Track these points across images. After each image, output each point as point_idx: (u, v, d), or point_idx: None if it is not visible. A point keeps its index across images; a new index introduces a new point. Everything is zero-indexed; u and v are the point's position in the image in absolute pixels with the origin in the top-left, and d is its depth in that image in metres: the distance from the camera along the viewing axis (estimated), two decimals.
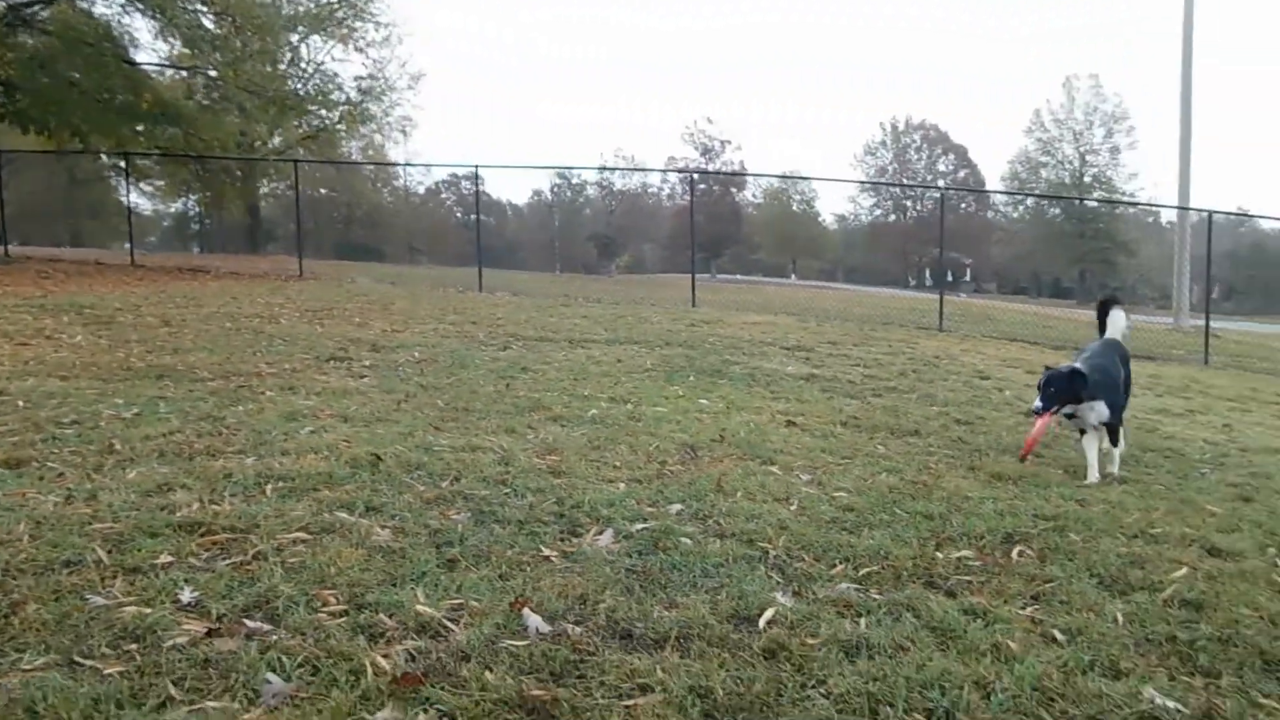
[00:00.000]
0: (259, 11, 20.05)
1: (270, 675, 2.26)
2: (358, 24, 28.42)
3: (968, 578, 3.35)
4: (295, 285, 15.16)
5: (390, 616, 2.63)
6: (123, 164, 21.63)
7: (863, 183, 64.41)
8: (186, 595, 2.68)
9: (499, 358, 8.12)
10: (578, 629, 2.65)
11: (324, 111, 28.25)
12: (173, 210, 48.30)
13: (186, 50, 19.85)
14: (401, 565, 3.02)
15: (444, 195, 66.94)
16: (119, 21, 18.86)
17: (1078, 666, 2.66)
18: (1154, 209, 55.99)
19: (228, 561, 2.96)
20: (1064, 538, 3.91)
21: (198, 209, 44.48)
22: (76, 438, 4.38)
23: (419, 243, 54.64)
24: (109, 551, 2.94)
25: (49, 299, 10.71)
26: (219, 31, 18.62)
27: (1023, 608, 3.11)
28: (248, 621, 2.54)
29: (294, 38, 25.97)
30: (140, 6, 18.31)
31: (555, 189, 67.21)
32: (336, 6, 27.80)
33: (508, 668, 2.38)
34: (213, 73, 19.82)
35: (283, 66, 25.76)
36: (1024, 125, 63.76)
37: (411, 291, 15.39)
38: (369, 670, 2.30)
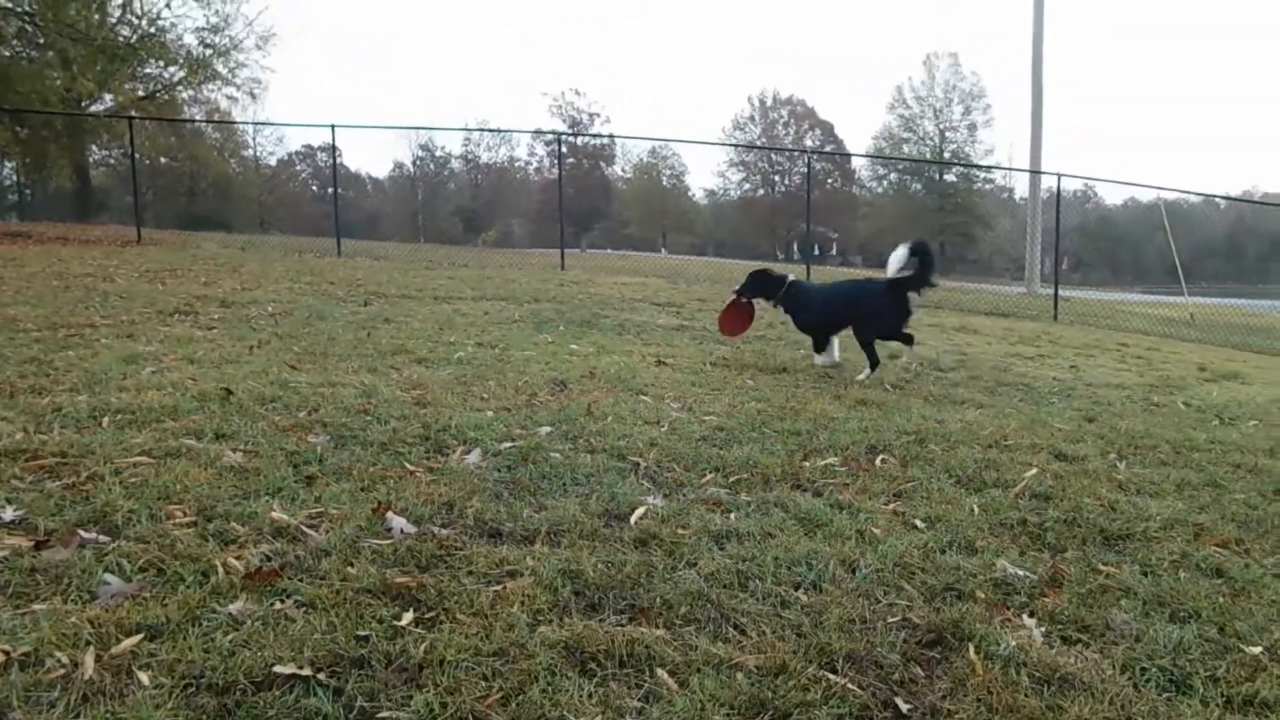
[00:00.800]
0: None
1: (108, 576, 2.10)
2: None
3: (833, 481, 3.47)
4: (133, 250, 14.09)
5: (243, 525, 2.49)
6: None
7: (734, 145, 65.20)
8: (9, 514, 2.45)
9: (359, 312, 7.81)
10: (444, 530, 2.59)
11: (162, 64, 26.16)
12: None
13: None
14: (255, 482, 2.86)
15: (299, 167, 63.94)
16: None
17: (937, 546, 2.82)
18: (1010, 176, 59.34)
19: (58, 483, 2.72)
20: (924, 448, 4.12)
21: (15, 176, 40.53)
22: None
23: (271, 216, 51.99)
24: None
25: None
26: None
27: (886, 503, 3.26)
28: (82, 533, 2.34)
29: None
30: None
31: (418, 161, 65.38)
32: None
33: (370, 561, 2.30)
34: (28, 7, 17.76)
35: (113, 16, 23.65)
36: (887, 102, 65.93)
37: (263, 256, 14.59)
38: (220, 569, 2.17)
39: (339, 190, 24.60)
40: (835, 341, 6.69)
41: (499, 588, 2.21)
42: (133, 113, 20.83)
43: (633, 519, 2.81)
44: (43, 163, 25.14)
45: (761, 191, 66.86)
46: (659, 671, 1.91)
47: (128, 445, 3.13)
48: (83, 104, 22.99)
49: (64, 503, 2.57)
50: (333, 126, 18.36)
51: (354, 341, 5.93)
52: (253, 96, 29.26)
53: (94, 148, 31.95)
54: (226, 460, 3.04)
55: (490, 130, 61.17)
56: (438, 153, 65.56)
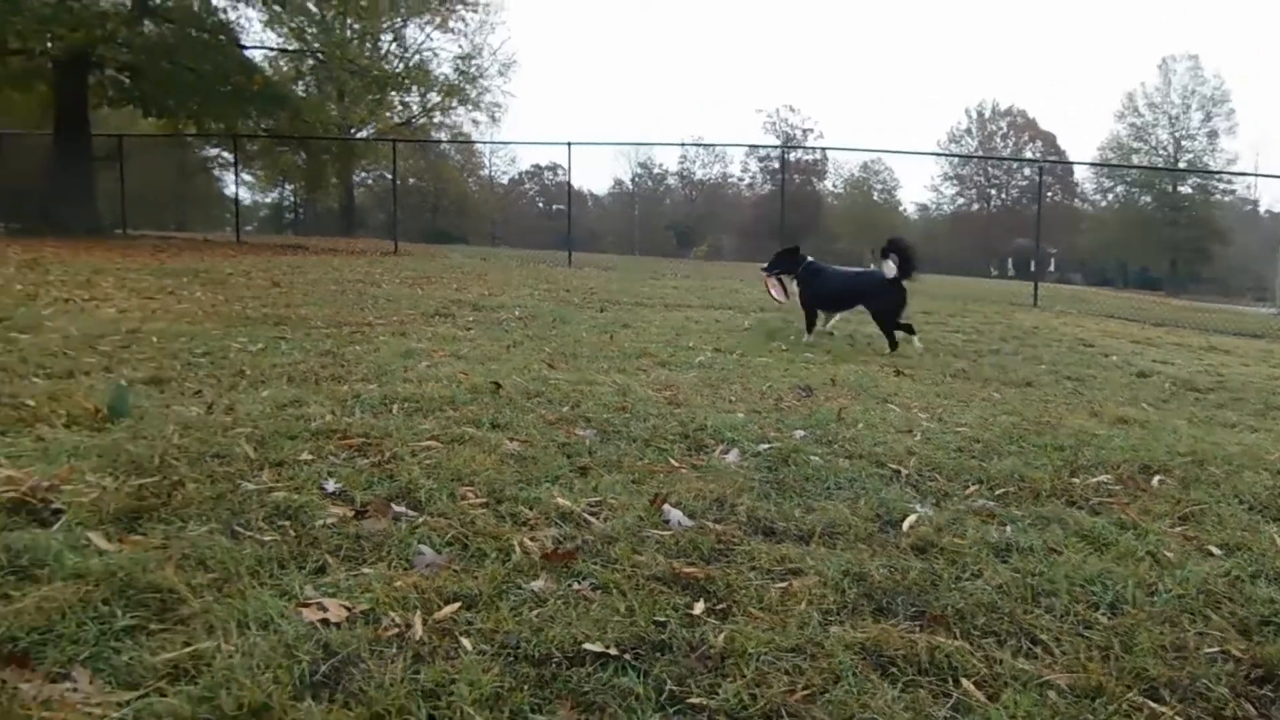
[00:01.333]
0: None
1: (422, 547, 2.28)
2: (458, 6, 29.06)
3: (1110, 500, 3.18)
4: (391, 259, 15.52)
5: (530, 509, 2.63)
6: (229, 155, 22.48)
7: (956, 156, 62.02)
8: (330, 486, 2.73)
9: (598, 317, 8.14)
10: (719, 525, 2.61)
11: (421, 91, 28.90)
12: (269, 200, 50.33)
13: (294, 39, 20.62)
14: (534, 469, 3.02)
15: (527, 185, 67.85)
16: (229, 12, 19.88)
17: (1242, 575, 2.51)
18: (1254, 186, 52.75)
19: (366, 460, 3.01)
20: (1204, 470, 3.70)
21: (293, 198, 46.02)
22: (209, 364, 4.54)
23: (501, 231, 55.47)
24: (254, 448, 3.03)
25: (167, 265, 11.20)
26: (324, 16, 19.22)
27: (1172, 526, 2.94)
28: (394, 506, 2.57)
29: (398, 20, 26.60)
30: None
31: (636, 178, 67.44)
32: None
33: (656, 550, 2.35)
34: (317, 45, 20.39)
35: (384, 48, 26.48)
36: (1115, 110, 60.17)
37: (502, 266, 15.60)
38: (517, 548, 2.30)
39: (568, 206, 25.97)
40: (834, 318, 7.78)
41: (785, 584, 2.19)
42: (393, 138, 23.15)
43: (905, 525, 2.71)
44: (318, 184, 28.41)
45: (976, 206, 63.20)
46: (964, 682, 1.81)
47: (418, 430, 3.41)
48: (352, 130, 25.80)
49: (373, 479, 2.83)
50: (569, 144, 19.60)
51: (598, 344, 6.17)
52: (493, 119, 31.52)
53: (357, 170, 35.69)
54: (506, 448, 3.23)
55: (705, 145, 62.16)
56: (655, 170, 67.40)
